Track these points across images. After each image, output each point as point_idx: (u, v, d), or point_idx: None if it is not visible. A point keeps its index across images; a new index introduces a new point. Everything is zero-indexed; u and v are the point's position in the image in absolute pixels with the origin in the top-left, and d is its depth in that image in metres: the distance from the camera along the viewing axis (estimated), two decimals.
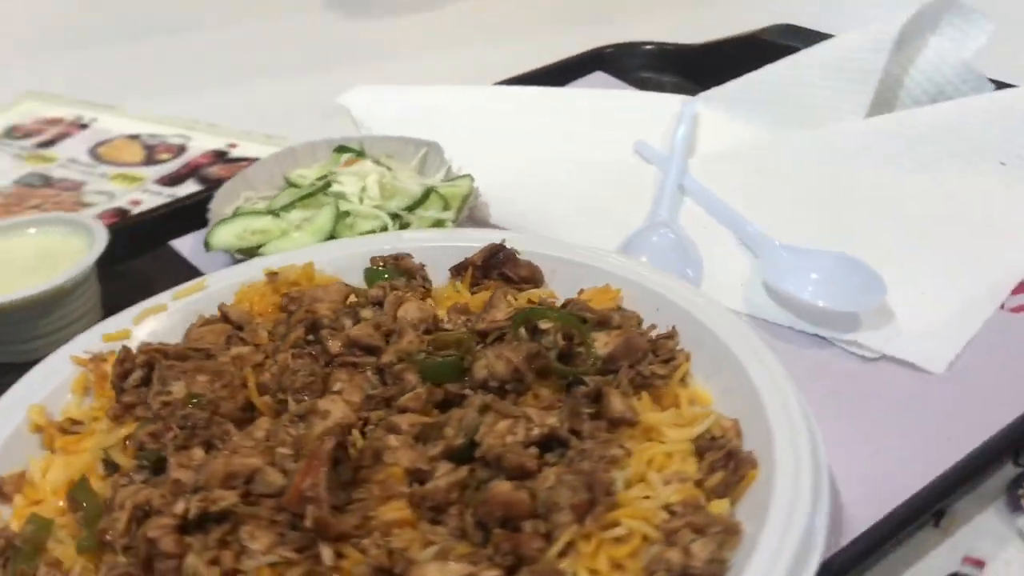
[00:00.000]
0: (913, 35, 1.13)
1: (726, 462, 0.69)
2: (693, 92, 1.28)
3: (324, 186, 1.07)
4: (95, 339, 0.85)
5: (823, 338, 0.89)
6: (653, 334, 0.81)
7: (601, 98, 1.28)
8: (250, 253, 1.01)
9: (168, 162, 1.32)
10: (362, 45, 1.63)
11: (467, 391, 0.74)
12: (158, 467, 0.69)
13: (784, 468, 0.66)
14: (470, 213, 1.11)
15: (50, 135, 1.41)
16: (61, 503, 0.71)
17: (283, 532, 0.63)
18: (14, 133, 1.42)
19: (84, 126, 1.43)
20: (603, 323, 0.80)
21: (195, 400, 0.71)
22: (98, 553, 0.65)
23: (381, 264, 0.90)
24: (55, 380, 0.82)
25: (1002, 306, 0.90)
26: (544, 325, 0.77)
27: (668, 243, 1.00)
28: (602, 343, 0.77)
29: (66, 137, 1.40)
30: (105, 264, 1.02)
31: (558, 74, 1.37)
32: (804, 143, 1.09)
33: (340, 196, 1.06)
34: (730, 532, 0.64)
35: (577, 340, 0.77)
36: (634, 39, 1.41)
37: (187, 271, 1.07)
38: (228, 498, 0.64)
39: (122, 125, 1.42)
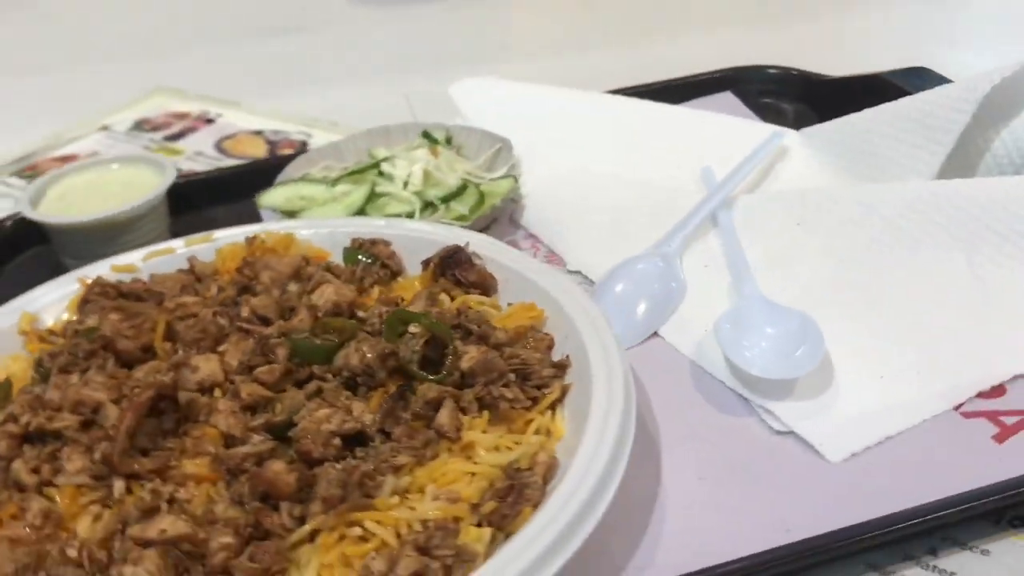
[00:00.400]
0: (1008, 98, 1.01)
1: (506, 494, 0.70)
2: (813, 123, 1.22)
3: (374, 165, 1.15)
4: (106, 267, 0.98)
5: (747, 400, 0.85)
6: (555, 358, 0.83)
7: (699, 120, 1.25)
8: (291, 215, 1.11)
9: None
10: (482, 45, 1.67)
11: (327, 375, 0.79)
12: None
13: (541, 516, 0.66)
14: (511, 214, 1.14)
15: (178, 129, 1.50)
16: None
17: (94, 462, 0.72)
18: (144, 126, 1.52)
19: (210, 121, 1.52)
20: (483, 338, 0.81)
21: (89, 332, 0.82)
22: None
23: (359, 246, 0.97)
24: (59, 294, 0.96)
25: (958, 406, 0.81)
26: (413, 329, 0.80)
27: (653, 273, 0.98)
28: (468, 357, 0.79)
29: (193, 131, 1.49)
30: (186, 209, 1.17)
31: (682, 90, 1.34)
32: (846, 201, 1.01)
33: (389, 177, 1.13)
34: (461, 559, 0.65)
35: (449, 350, 0.80)
36: (767, 62, 1.36)
37: (256, 221, 1.18)
38: (66, 421, 0.74)
39: (246, 121, 1.50)
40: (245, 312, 0.85)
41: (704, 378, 0.88)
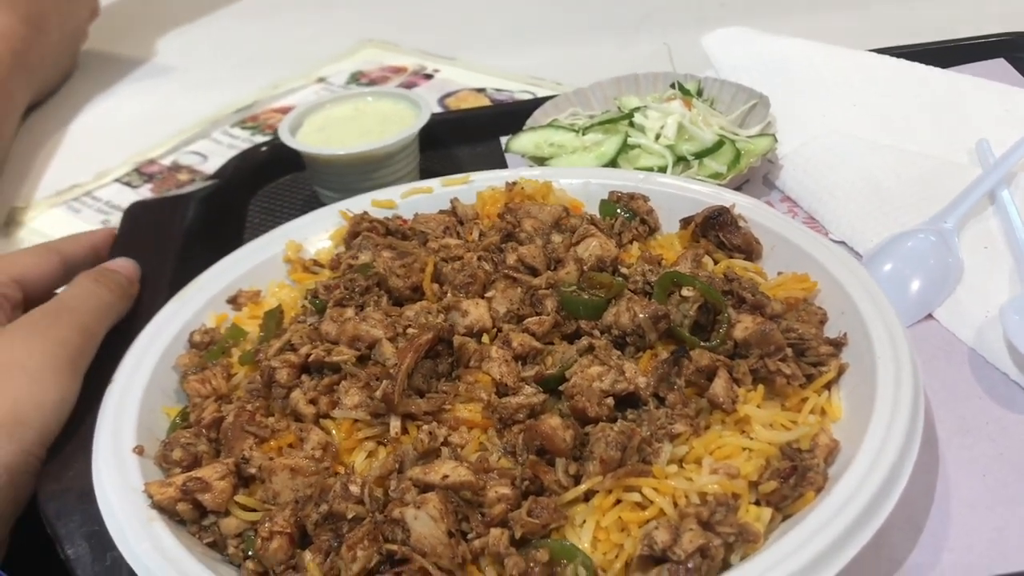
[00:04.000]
0: None
1: (789, 475, 0.67)
2: None
3: (627, 115, 1.12)
4: (367, 202, 1.00)
5: None
6: (828, 335, 0.79)
7: (963, 86, 1.17)
8: (540, 161, 1.10)
9: None
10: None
11: (595, 332, 0.78)
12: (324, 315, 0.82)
13: (832, 502, 0.63)
14: (765, 175, 1.10)
15: (397, 83, 1.47)
16: None
17: (372, 397, 0.73)
18: (360, 79, 1.50)
19: (429, 76, 1.49)
20: (758, 308, 0.78)
21: (365, 268, 0.83)
22: (253, 367, 0.80)
23: (617, 199, 0.95)
24: (322, 225, 0.98)
25: None
26: (687, 292, 0.78)
27: (927, 250, 0.92)
28: (743, 327, 0.76)
29: (413, 87, 1.45)
30: (434, 147, 1.18)
31: (950, 53, 1.26)
32: None
33: (641, 129, 1.11)
34: (744, 538, 0.63)
35: (721, 317, 0.77)
36: None
37: (502, 165, 1.18)
38: (345, 355, 0.76)
39: (465, 78, 1.45)
40: (511, 260, 0.84)
41: (984, 368, 0.83)
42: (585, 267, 0.84)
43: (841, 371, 0.76)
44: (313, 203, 1.14)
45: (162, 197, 1.13)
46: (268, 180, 1.20)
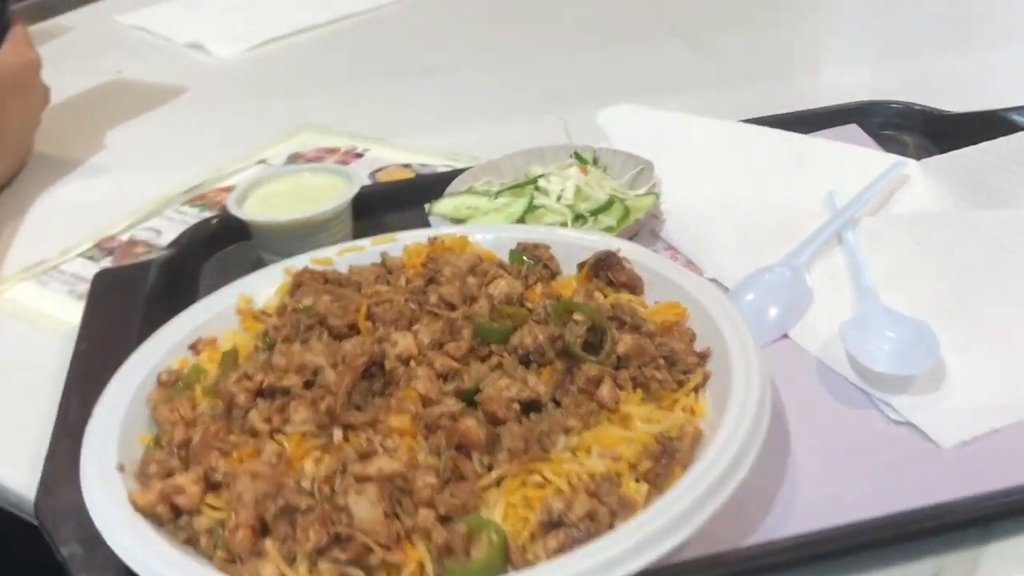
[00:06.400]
0: None
1: (660, 455, 0.83)
2: (933, 155, 1.33)
3: (533, 181, 1.29)
4: (307, 260, 1.15)
5: (866, 393, 0.96)
6: (696, 349, 0.96)
7: (820, 148, 1.36)
8: (459, 222, 1.27)
9: None
10: (619, 82, 1.79)
11: (504, 353, 0.94)
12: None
13: (693, 473, 0.79)
14: (652, 229, 1.28)
15: (332, 161, 1.61)
16: None
17: (318, 412, 0.87)
18: (298, 160, 1.63)
19: (360, 155, 1.62)
20: (635, 328, 0.95)
21: (307, 310, 0.98)
22: (214, 396, 0.94)
23: (522, 249, 1.11)
24: (269, 281, 1.13)
25: None
26: (578, 317, 0.94)
27: (782, 282, 1.10)
28: (624, 343, 0.93)
29: (346, 164, 1.59)
30: (365, 214, 1.34)
31: (811, 120, 1.46)
32: (959, 224, 1.11)
33: (544, 192, 1.28)
34: (624, 506, 0.79)
35: (607, 336, 0.93)
36: (890, 98, 1.47)
37: (425, 226, 1.34)
38: (292, 381, 0.90)
39: (393, 155, 1.60)
40: (434, 299, 1.00)
41: (829, 375, 1.00)
42: (495, 302, 1.00)
43: (706, 377, 0.93)
44: (259, 266, 1.28)
45: (125, 265, 1.27)
46: (218, 248, 1.34)
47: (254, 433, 0.88)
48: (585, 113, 1.55)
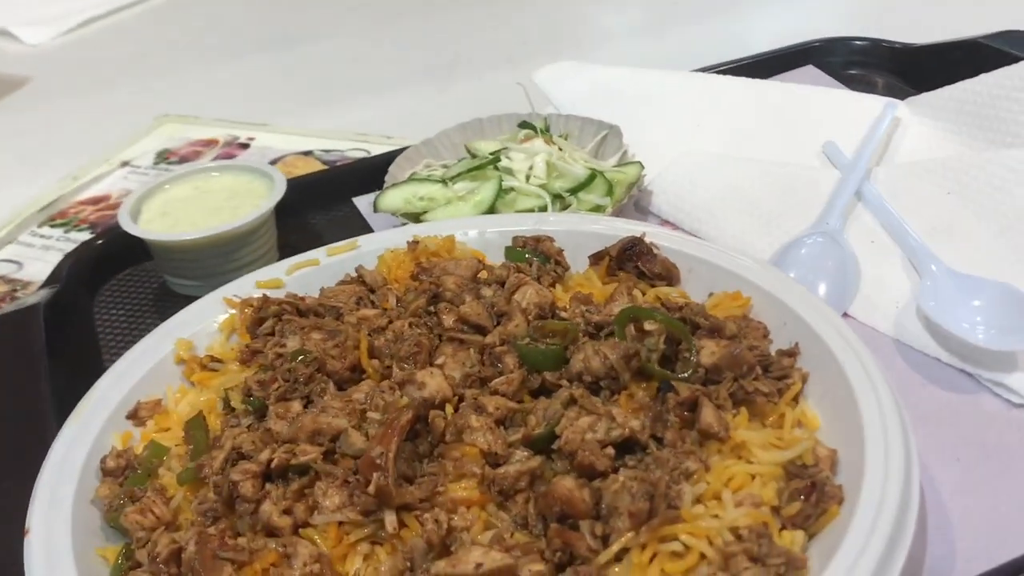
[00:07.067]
0: None
1: (809, 493, 0.66)
2: (903, 95, 1.21)
3: (493, 160, 1.09)
4: (250, 284, 0.91)
5: (971, 375, 0.82)
6: (773, 349, 0.79)
7: (797, 94, 1.23)
8: (414, 218, 1.05)
9: None
10: (556, 35, 1.61)
11: (563, 382, 0.74)
12: (262, 414, 0.74)
13: (866, 509, 0.63)
14: (636, 202, 1.11)
15: (212, 156, 1.36)
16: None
17: (355, 494, 0.66)
18: (169, 158, 1.37)
19: (245, 145, 1.37)
20: (715, 331, 0.77)
21: (302, 356, 0.75)
22: (196, 485, 0.71)
23: (522, 244, 0.92)
24: (207, 318, 0.88)
25: None
26: (649, 326, 0.75)
27: (822, 253, 0.96)
28: (708, 352, 0.75)
29: (230, 158, 1.33)
30: (288, 214, 1.10)
31: (766, 65, 1.32)
32: (993, 166, 1.00)
33: (508, 172, 1.08)
34: (793, 566, 0.61)
35: (684, 346, 0.75)
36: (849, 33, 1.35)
37: (363, 228, 1.12)
38: (311, 453, 0.68)
39: (285, 142, 1.35)
40: (449, 321, 0.79)
41: (913, 356, 0.86)
42: (529, 317, 0.80)
43: (804, 380, 0.77)
44: (166, 294, 1.05)
45: (2, 314, 0.98)
46: (110, 276, 1.08)
47: (271, 532, 0.66)
48: (500, 75, 1.34)
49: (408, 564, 0.63)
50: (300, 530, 0.66)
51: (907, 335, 0.87)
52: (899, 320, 0.89)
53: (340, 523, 0.65)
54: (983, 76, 1.11)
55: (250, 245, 1.03)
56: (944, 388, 0.82)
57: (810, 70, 1.32)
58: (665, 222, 1.07)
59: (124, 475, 0.74)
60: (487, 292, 0.84)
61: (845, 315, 0.91)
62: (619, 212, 1.08)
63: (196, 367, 0.84)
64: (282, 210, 1.11)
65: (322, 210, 1.15)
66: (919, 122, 1.16)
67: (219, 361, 0.84)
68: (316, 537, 0.65)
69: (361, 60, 1.63)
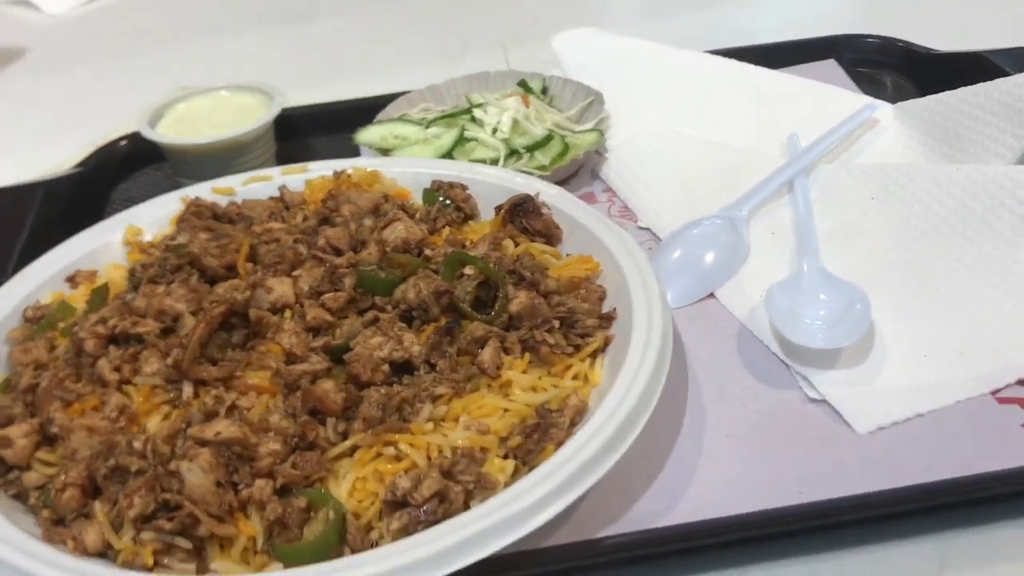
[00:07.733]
0: None
1: (533, 431, 0.75)
2: (911, 98, 1.21)
3: (467, 110, 1.19)
4: (207, 189, 1.06)
5: (787, 366, 0.87)
6: (604, 310, 0.87)
7: (790, 85, 1.25)
8: (384, 152, 1.17)
9: None
10: (568, 16, 1.65)
11: (389, 308, 0.85)
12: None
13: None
14: (594, 167, 1.18)
15: None
16: None
17: (168, 365, 0.80)
18: None
19: None
20: (534, 285, 0.86)
21: (179, 248, 0.90)
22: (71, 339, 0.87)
23: (437, 188, 1.02)
24: (164, 211, 1.04)
25: (996, 391, 0.82)
26: (468, 271, 0.85)
27: (713, 235, 1.00)
28: (517, 301, 0.84)
29: None
30: (290, 138, 1.24)
31: (786, 52, 1.34)
32: (922, 178, 1.00)
33: (479, 123, 1.18)
34: (482, 486, 0.71)
35: (500, 293, 0.84)
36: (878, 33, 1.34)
37: (354, 155, 1.24)
38: (148, 326, 0.82)
39: None
40: (321, 242, 0.91)
41: (751, 342, 0.90)
42: (388, 248, 0.91)
43: (607, 342, 0.84)
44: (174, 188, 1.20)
45: (8, 186, 1.18)
46: (129, 171, 1.26)
47: (103, 383, 0.81)
48: (517, 56, 1.41)
49: (184, 425, 0.76)
50: (123, 386, 0.80)
51: (753, 323, 0.92)
52: (753, 308, 0.93)
53: (153, 387, 0.80)
54: (959, 90, 1.10)
55: (248, 155, 1.19)
56: (760, 374, 0.87)
57: (830, 64, 1.33)
58: (608, 189, 1.14)
59: (37, 324, 0.91)
60: (368, 223, 0.95)
61: (712, 296, 0.96)
62: (571, 175, 1.16)
63: (137, 251, 1.00)
64: (291, 132, 1.26)
65: (326, 136, 1.29)
66: (898, 128, 1.16)
67: (155, 247, 1.00)
68: (133, 394, 0.80)
69: (373, 36, 1.72)
